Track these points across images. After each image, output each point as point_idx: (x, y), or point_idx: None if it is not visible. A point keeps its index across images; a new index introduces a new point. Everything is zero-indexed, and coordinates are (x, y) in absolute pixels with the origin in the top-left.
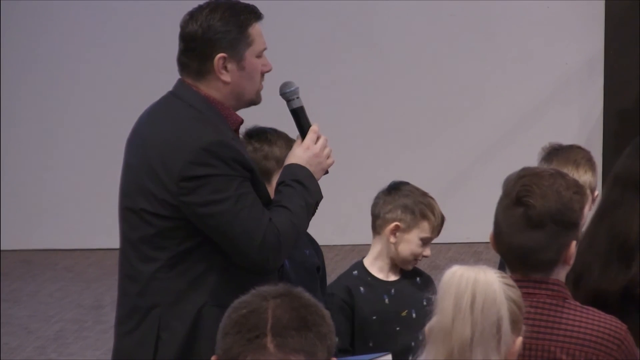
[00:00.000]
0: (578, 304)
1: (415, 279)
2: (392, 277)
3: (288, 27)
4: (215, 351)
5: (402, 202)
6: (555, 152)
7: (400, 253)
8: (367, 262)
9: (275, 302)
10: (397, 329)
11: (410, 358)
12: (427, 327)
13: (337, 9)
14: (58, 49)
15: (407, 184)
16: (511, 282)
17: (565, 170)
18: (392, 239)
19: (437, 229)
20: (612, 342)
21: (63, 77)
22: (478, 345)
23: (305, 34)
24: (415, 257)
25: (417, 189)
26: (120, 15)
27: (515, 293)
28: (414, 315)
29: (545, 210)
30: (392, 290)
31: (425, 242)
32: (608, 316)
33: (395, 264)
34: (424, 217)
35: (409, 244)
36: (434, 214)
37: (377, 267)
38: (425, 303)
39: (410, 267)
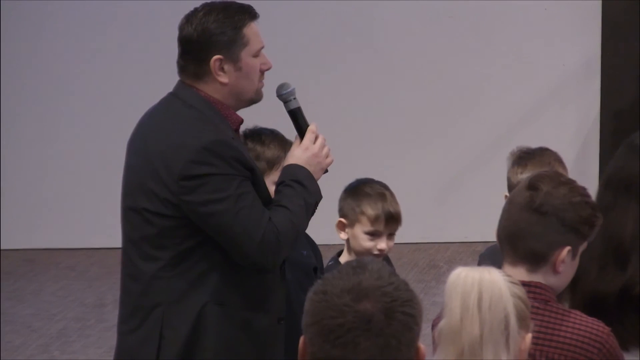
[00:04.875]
0: (561, 306)
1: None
2: None
3: (286, 27)
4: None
5: (347, 198)
6: (527, 157)
7: (354, 248)
8: (342, 259)
9: None
10: None
11: None
12: (436, 330)
13: (336, 9)
14: (58, 49)
15: (369, 181)
16: (515, 280)
17: None
18: (343, 235)
19: (380, 222)
20: (592, 346)
21: (64, 76)
22: (488, 343)
23: (303, 35)
24: (369, 252)
25: (374, 185)
26: (121, 15)
27: (520, 290)
28: None
29: (551, 198)
30: None
31: (374, 235)
32: (590, 319)
33: None
34: (361, 212)
35: (357, 239)
36: (373, 208)
37: None
38: None
39: None
